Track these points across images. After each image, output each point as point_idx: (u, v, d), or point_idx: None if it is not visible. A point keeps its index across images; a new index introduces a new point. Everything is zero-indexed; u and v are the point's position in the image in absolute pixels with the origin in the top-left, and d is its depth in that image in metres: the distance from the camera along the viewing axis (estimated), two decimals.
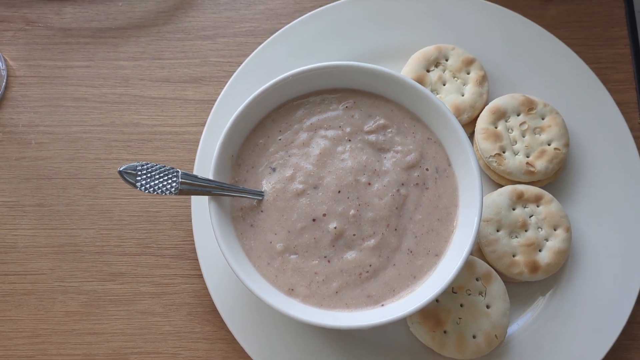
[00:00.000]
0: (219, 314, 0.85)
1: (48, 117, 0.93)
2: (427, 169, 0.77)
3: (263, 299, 0.70)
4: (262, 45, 0.91)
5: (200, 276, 0.87)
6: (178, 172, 0.72)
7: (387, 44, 0.91)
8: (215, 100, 0.90)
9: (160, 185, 0.70)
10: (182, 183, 0.71)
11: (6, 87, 0.93)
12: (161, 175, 0.71)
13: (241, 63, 0.91)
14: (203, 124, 0.90)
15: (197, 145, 0.88)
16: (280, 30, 0.91)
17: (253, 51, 0.91)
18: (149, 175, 0.70)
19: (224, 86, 0.89)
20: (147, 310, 0.86)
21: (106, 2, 0.97)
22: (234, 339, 0.84)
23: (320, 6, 0.93)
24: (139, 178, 0.69)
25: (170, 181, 0.71)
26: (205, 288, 0.86)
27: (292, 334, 0.81)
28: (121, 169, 0.69)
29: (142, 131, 0.92)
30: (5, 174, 0.90)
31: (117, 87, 0.94)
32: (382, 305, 0.73)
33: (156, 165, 0.71)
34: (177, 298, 0.86)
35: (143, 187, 0.69)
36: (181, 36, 0.96)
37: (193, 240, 0.87)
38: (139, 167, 0.69)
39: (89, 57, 0.95)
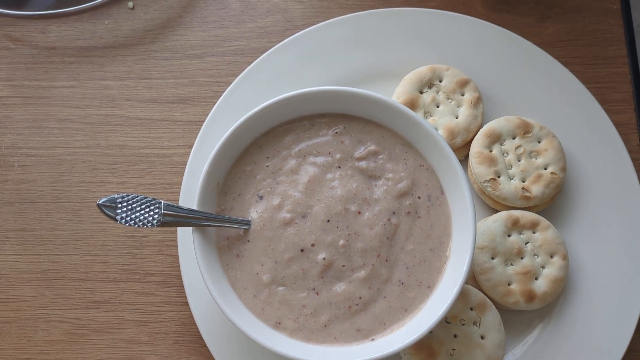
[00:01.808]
0: (205, 342, 0.82)
1: (31, 139, 0.90)
2: (419, 197, 0.75)
3: (248, 334, 0.68)
4: (252, 65, 0.89)
5: (187, 303, 0.84)
6: (160, 203, 0.69)
7: (380, 65, 0.89)
8: (203, 122, 0.87)
9: (142, 217, 0.68)
10: (164, 215, 0.69)
11: None
12: (142, 207, 0.68)
13: (230, 83, 0.89)
14: (190, 146, 0.88)
15: (184, 168, 0.85)
16: (270, 50, 0.89)
17: (242, 71, 0.89)
18: (129, 207, 0.68)
19: (213, 107, 0.87)
20: (132, 339, 0.84)
21: (92, 21, 0.95)
22: None
23: (311, 24, 0.91)
24: (119, 211, 0.67)
25: (152, 213, 0.68)
26: (192, 316, 0.84)
27: None
28: (100, 202, 0.66)
29: (128, 153, 0.90)
30: None
31: (103, 107, 0.92)
32: (372, 339, 0.71)
33: (138, 196, 0.68)
34: (163, 326, 0.84)
35: (123, 220, 0.67)
36: (169, 55, 0.94)
37: (179, 267, 0.85)
38: (119, 200, 0.67)
39: (74, 76, 0.93)
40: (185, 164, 0.87)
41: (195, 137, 0.87)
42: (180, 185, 0.86)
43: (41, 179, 0.89)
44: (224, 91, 0.88)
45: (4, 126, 0.91)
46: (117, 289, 0.85)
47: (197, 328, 0.83)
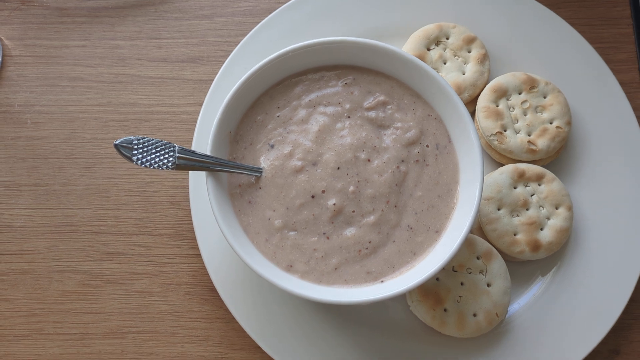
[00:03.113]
0: (217, 293, 0.84)
1: (44, 97, 0.92)
2: (427, 146, 0.76)
3: (261, 274, 0.69)
4: (260, 24, 0.90)
5: (198, 255, 0.86)
6: (175, 147, 0.71)
7: (387, 23, 0.90)
8: (212, 80, 0.89)
9: (157, 159, 0.69)
10: (179, 158, 0.70)
11: (2, 67, 0.92)
12: (158, 149, 0.70)
13: (239, 42, 0.90)
14: (200, 104, 0.90)
15: (195, 125, 0.87)
16: (278, 9, 0.90)
17: (251, 30, 0.90)
18: (145, 149, 0.69)
19: (222, 66, 0.88)
20: (145, 289, 0.85)
21: None
22: (233, 318, 0.83)
23: None
24: (135, 152, 0.68)
25: (167, 156, 0.70)
26: (203, 267, 0.85)
27: (292, 312, 0.81)
28: (117, 143, 0.68)
29: (139, 111, 0.91)
30: (1, 154, 0.89)
31: (114, 66, 0.93)
32: (382, 281, 0.72)
33: (153, 139, 0.70)
34: (175, 277, 0.86)
35: (139, 161, 0.68)
36: (178, 15, 0.95)
37: (191, 220, 0.86)
38: (136, 142, 0.69)
39: (85, 36, 0.94)
40: (195, 122, 0.89)
41: (205, 96, 0.88)
42: (191, 142, 0.88)
43: (54, 135, 0.90)
44: (232, 50, 0.89)
45: (16, 84, 0.92)
46: (130, 241, 0.87)
47: (208, 279, 0.85)
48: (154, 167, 0.68)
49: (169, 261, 0.86)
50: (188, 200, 0.87)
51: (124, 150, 0.68)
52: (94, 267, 0.86)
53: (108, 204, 0.88)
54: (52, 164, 0.89)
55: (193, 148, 0.85)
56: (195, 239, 0.86)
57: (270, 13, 0.91)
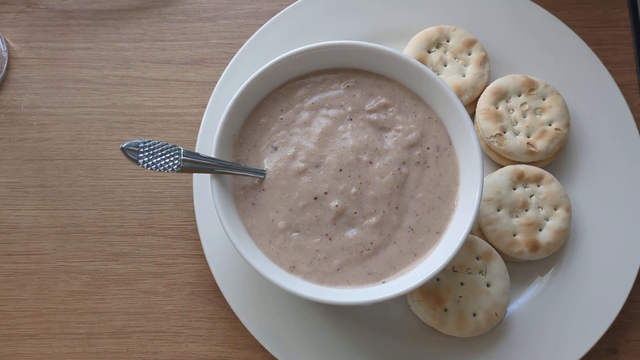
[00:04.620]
0: (220, 293, 0.85)
1: (49, 99, 0.93)
2: (428, 148, 0.78)
3: (265, 275, 0.70)
4: (263, 26, 0.91)
5: (202, 256, 0.87)
6: (180, 149, 0.72)
7: (388, 25, 0.91)
8: (216, 82, 0.90)
9: (163, 162, 0.70)
10: (184, 160, 0.71)
11: (7, 69, 0.93)
12: (163, 152, 0.71)
13: (242, 45, 0.91)
14: (204, 106, 0.91)
15: (199, 127, 0.88)
16: (281, 12, 0.91)
17: (254, 33, 0.91)
18: (151, 152, 0.70)
19: (225, 68, 0.90)
20: (150, 289, 0.87)
21: None
22: (236, 318, 0.85)
23: None
24: (142, 155, 0.70)
25: (172, 158, 0.71)
26: (207, 268, 0.87)
27: (294, 312, 0.82)
28: (124, 146, 0.69)
29: (144, 112, 0.92)
30: (7, 155, 0.91)
31: (119, 68, 0.94)
32: (383, 282, 0.73)
33: (158, 142, 0.71)
34: (179, 278, 0.87)
35: (145, 164, 0.69)
36: (182, 18, 0.96)
37: (195, 221, 0.88)
38: (142, 145, 0.70)
39: (90, 38, 0.95)
40: (199, 123, 0.90)
41: (208, 97, 0.90)
42: (195, 143, 0.89)
43: (59, 137, 0.92)
44: (236, 52, 0.90)
45: (22, 86, 0.93)
46: (135, 242, 0.88)
47: (212, 280, 0.86)
48: (160, 170, 0.70)
49: (173, 261, 0.87)
50: (192, 201, 0.88)
51: (131, 153, 0.69)
52: (99, 267, 0.87)
53: (113, 205, 0.89)
54: (57, 166, 0.91)
55: (197, 150, 0.86)
56: (199, 240, 0.87)
57: (272, 15, 0.92)
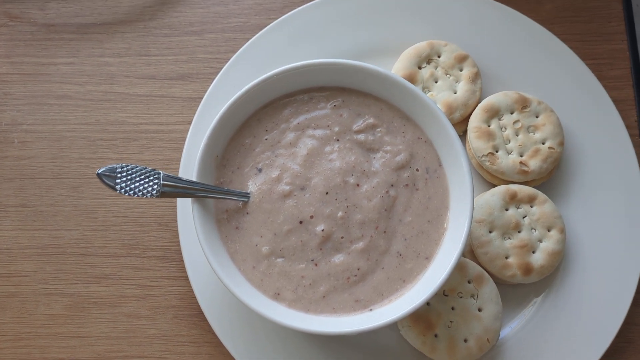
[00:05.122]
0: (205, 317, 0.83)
1: (31, 116, 0.91)
2: (417, 170, 0.75)
3: (247, 304, 0.68)
4: (251, 41, 0.89)
5: (187, 278, 0.85)
6: (160, 173, 0.70)
7: (378, 40, 0.89)
8: (202, 98, 0.87)
9: (141, 187, 0.68)
10: (164, 185, 0.69)
11: None
12: (142, 177, 0.69)
13: (229, 59, 0.89)
14: (190, 122, 0.89)
15: (183, 144, 0.86)
16: (269, 26, 0.89)
17: (241, 47, 0.88)
18: (129, 177, 0.68)
19: (212, 83, 0.87)
20: (133, 313, 0.84)
21: None
22: (221, 343, 0.82)
23: (310, 1, 0.91)
24: (119, 180, 0.67)
25: (151, 183, 0.69)
26: (192, 290, 0.84)
27: (280, 337, 0.80)
28: (100, 172, 0.67)
29: (128, 129, 0.90)
30: None
31: (102, 84, 0.92)
32: (371, 309, 0.71)
33: (137, 167, 0.69)
34: (163, 301, 0.85)
35: (123, 190, 0.67)
36: (168, 32, 0.94)
37: (179, 242, 0.85)
38: (119, 169, 0.67)
39: (73, 53, 0.93)
40: (184, 140, 0.87)
41: (194, 114, 0.87)
42: (179, 161, 0.86)
43: (41, 155, 0.89)
44: (222, 67, 0.88)
45: (3, 103, 0.91)
46: (117, 263, 0.86)
47: (196, 303, 0.84)
48: (138, 196, 0.67)
49: (157, 284, 0.85)
50: (176, 221, 0.86)
51: (107, 179, 0.67)
52: (81, 290, 0.85)
53: (95, 225, 0.87)
54: (39, 184, 0.88)
55: (181, 169, 0.84)
56: (183, 261, 0.85)
57: (260, 29, 0.90)
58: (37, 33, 0.94)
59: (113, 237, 0.87)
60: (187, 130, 0.88)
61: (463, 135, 0.87)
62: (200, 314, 0.84)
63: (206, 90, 0.87)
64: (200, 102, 0.87)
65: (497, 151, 0.83)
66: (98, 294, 0.85)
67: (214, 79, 0.88)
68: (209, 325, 0.83)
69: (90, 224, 0.87)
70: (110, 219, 0.87)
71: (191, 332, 0.84)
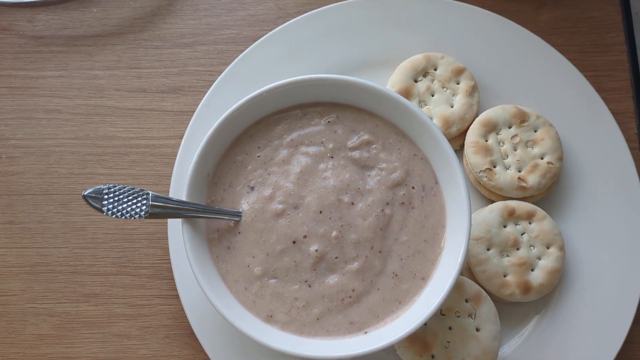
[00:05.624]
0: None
1: (19, 130, 0.89)
2: (413, 187, 0.74)
3: (239, 327, 0.66)
4: (244, 53, 0.87)
5: (179, 297, 0.83)
6: (149, 194, 0.68)
7: (374, 53, 0.87)
8: (194, 112, 0.86)
9: (129, 209, 0.66)
10: (152, 206, 0.67)
11: None
12: (130, 198, 0.67)
13: (222, 72, 0.87)
14: (181, 137, 0.87)
15: (175, 159, 0.84)
16: (262, 38, 0.87)
17: (234, 59, 0.87)
18: (116, 198, 0.66)
19: (204, 96, 0.86)
20: (123, 333, 0.82)
21: (80, 9, 0.93)
22: None
23: (304, 12, 0.89)
24: (106, 202, 0.65)
25: (140, 204, 0.67)
26: (183, 309, 0.82)
27: (272, 357, 0.78)
28: (85, 193, 0.65)
29: (118, 144, 0.88)
30: None
31: (92, 97, 0.90)
32: (366, 332, 0.69)
33: (125, 187, 0.67)
34: (154, 320, 0.83)
35: (110, 212, 0.65)
36: (159, 44, 0.92)
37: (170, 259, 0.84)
38: (106, 190, 0.66)
39: (62, 66, 0.91)
40: (175, 155, 0.86)
41: (186, 128, 0.85)
42: (171, 176, 0.85)
43: (29, 170, 0.87)
44: (215, 80, 0.86)
45: None
46: (107, 282, 0.84)
47: (188, 322, 0.82)
48: (125, 217, 0.66)
49: (147, 303, 0.83)
50: (167, 239, 0.84)
51: (93, 201, 0.65)
52: (69, 309, 0.83)
53: (85, 243, 0.85)
54: (27, 201, 0.86)
55: (172, 186, 0.82)
56: (174, 279, 0.83)
57: (253, 41, 0.88)
58: (25, 45, 0.92)
59: (103, 255, 0.85)
60: (178, 145, 0.86)
61: (460, 150, 0.85)
62: (191, 333, 0.82)
63: (198, 104, 0.86)
64: (192, 115, 0.85)
65: (494, 166, 0.82)
66: (87, 314, 0.83)
67: (206, 92, 0.86)
68: (200, 346, 0.81)
69: (79, 241, 0.85)
70: (99, 236, 0.85)
71: (183, 352, 0.82)
